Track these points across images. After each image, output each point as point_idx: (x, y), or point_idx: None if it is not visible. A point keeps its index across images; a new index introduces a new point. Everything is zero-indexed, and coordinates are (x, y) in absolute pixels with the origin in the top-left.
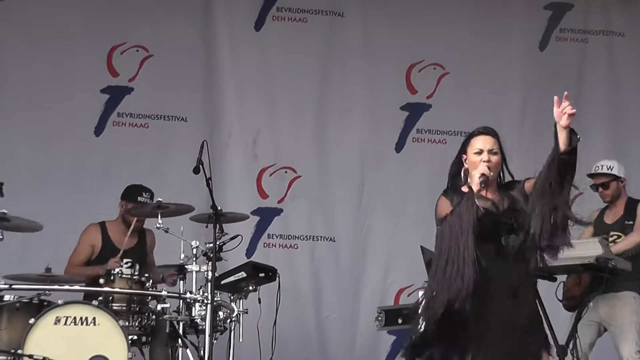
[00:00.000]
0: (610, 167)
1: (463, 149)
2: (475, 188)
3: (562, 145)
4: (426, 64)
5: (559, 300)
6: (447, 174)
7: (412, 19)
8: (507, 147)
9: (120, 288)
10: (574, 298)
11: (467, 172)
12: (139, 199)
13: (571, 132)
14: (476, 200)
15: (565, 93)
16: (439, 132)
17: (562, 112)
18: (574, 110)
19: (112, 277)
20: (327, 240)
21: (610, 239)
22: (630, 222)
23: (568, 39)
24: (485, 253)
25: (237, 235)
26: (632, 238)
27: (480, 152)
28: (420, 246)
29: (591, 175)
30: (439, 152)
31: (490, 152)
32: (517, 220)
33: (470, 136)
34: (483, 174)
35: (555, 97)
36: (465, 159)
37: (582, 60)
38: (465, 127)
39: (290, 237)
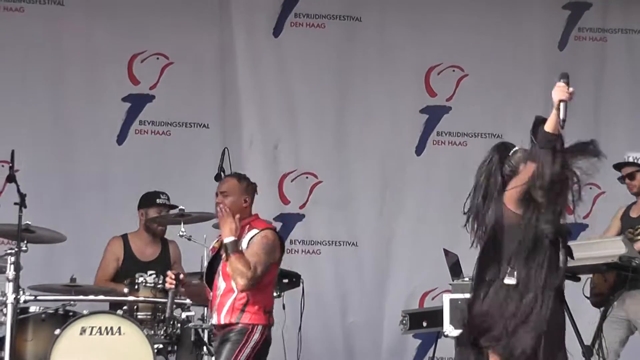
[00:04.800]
0: (636, 157)
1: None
2: None
3: (554, 127)
4: (445, 67)
5: (585, 297)
6: (468, 175)
7: (429, 22)
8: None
9: (144, 297)
10: (601, 294)
11: None
12: (158, 201)
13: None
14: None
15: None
16: (459, 135)
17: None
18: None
19: (136, 287)
20: (349, 245)
21: (636, 231)
22: None
23: (587, 38)
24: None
25: None
26: None
27: None
28: (444, 249)
29: (618, 166)
30: (459, 154)
31: None
32: None
33: None
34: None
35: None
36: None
37: (601, 58)
38: (485, 129)
39: (312, 242)
